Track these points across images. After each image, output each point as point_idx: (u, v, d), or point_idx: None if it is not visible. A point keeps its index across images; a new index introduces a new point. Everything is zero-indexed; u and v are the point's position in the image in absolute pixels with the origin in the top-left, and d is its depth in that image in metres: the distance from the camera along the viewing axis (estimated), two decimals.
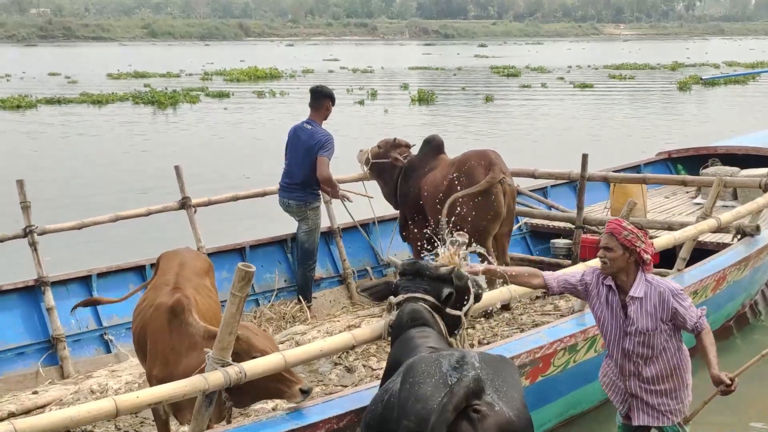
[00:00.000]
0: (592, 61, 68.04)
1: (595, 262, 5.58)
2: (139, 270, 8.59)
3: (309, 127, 8.96)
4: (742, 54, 74.97)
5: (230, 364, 4.76)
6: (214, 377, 4.70)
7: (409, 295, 4.98)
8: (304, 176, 8.90)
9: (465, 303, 5.07)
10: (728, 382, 5.04)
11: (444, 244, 5.40)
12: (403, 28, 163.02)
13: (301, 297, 9.14)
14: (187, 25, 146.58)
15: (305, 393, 5.12)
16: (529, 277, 5.54)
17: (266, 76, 53.06)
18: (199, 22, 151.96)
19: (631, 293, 5.20)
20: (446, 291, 4.95)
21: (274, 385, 5.09)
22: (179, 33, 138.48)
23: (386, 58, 76.02)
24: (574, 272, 5.54)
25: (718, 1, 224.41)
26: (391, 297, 5.11)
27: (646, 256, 5.16)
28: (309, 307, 9.08)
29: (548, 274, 5.52)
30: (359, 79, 51.10)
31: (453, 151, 9.41)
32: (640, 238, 5.14)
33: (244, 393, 5.07)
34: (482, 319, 8.30)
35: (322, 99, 9.05)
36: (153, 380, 5.31)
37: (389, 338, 5.07)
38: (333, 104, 9.16)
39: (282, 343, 7.89)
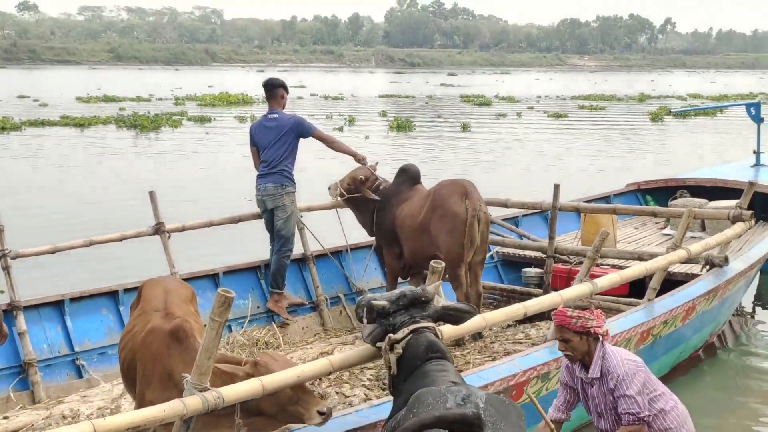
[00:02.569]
0: (560, 92, 68.83)
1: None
2: (112, 295, 8.54)
3: (275, 116, 9.34)
4: (705, 87, 76.13)
5: (208, 389, 4.76)
6: (193, 402, 4.68)
7: (416, 326, 4.76)
8: (281, 161, 9.21)
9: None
10: None
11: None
12: (369, 55, 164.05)
13: (274, 284, 9.33)
14: (153, 50, 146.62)
15: (324, 414, 5.03)
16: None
17: (239, 102, 53.27)
18: (165, 47, 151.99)
19: (589, 375, 5.24)
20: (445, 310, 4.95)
21: (292, 407, 5.05)
22: (145, 57, 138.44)
23: (354, 86, 76.42)
24: (562, 386, 5.58)
25: (680, 35, 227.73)
26: (390, 335, 4.80)
27: (601, 330, 5.21)
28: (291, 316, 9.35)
29: (551, 414, 5.52)
30: (330, 106, 51.35)
31: (432, 178, 9.50)
32: (588, 318, 5.19)
33: (261, 418, 5.06)
34: (455, 347, 8.33)
35: (274, 89, 9.46)
36: (147, 405, 5.26)
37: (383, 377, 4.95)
38: (287, 92, 9.54)
39: None
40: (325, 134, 9.44)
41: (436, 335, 4.81)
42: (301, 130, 9.24)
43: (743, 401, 8.67)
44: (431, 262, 5.70)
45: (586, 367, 5.27)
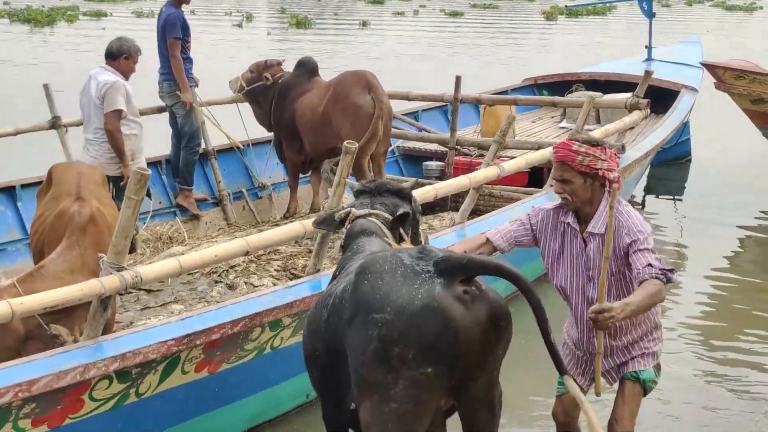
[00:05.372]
0: None
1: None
2: (9, 191, 8.28)
3: (163, 10, 9.21)
4: None
5: (125, 269, 4.73)
6: (110, 281, 4.65)
7: (361, 212, 4.48)
8: (164, 58, 9.12)
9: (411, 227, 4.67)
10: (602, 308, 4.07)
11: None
12: None
13: (182, 180, 9.28)
14: None
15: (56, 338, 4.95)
16: (480, 248, 4.64)
17: None
18: None
19: (589, 228, 4.37)
20: (402, 210, 4.52)
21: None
22: None
23: None
24: (518, 221, 4.73)
25: None
26: (338, 213, 4.59)
27: (613, 175, 4.27)
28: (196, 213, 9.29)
29: (493, 235, 4.71)
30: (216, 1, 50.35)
31: (335, 71, 9.41)
32: (599, 157, 4.27)
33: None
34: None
35: None
36: None
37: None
38: None
39: None
40: (177, 53, 9.01)
41: (386, 224, 4.47)
42: (166, 30, 9.03)
43: None
44: (344, 143, 5.69)
45: (581, 219, 4.43)
